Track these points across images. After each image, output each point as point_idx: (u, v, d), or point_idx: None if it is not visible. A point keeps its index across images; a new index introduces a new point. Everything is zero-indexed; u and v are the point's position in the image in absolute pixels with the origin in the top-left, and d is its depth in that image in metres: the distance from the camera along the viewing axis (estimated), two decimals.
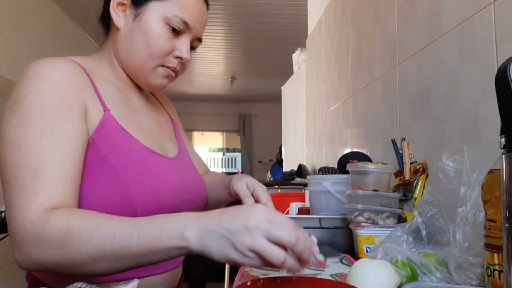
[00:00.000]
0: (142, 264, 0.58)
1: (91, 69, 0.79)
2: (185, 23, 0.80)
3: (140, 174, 0.73)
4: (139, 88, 0.89)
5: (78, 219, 0.59)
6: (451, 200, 0.72)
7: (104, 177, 0.70)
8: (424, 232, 0.79)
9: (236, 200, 0.88)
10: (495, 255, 0.56)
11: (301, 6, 3.30)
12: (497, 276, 0.56)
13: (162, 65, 0.82)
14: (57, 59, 0.72)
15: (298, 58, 3.04)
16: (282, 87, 3.64)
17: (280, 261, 0.52)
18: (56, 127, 0.66)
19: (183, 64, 0.85)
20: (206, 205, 0.96)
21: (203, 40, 0.87)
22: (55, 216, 0.60)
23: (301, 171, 2.49)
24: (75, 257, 0.58)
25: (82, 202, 0.69)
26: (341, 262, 0.88)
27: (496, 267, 0.56)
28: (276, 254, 0.52)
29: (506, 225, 0.50)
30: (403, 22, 1.24)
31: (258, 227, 0.52)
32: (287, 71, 3.53)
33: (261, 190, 0.84)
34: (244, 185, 0.86)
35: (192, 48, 0.87)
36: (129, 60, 0.82)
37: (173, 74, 0.84)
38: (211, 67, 5.52)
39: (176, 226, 0.56)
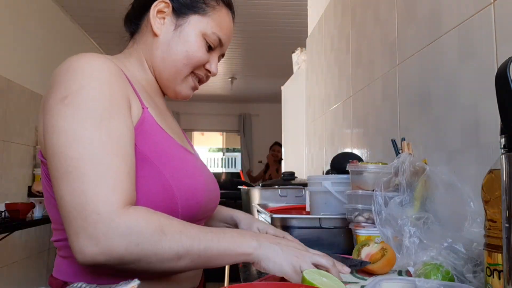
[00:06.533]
0: (212, 265, 0.67)
1: (122, 67, 0.78)
2: (220, 40, 0.86)
3: (179, 172, 0.75)
4: (161, 93, 0.91)
5: (166, 220, 0.65)
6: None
7: (144, 174, 0.71)
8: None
9: None
10: (495, 255, 0.57)
11: (301, 6, 3.30)
12: (497, 276, 0.56)
13: (193, 73, 0.87)
14: (96, 55, 0.71)
15: (298, 58, 3.04)
16: (282, 87, 3.64)
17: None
18: (111, 122, 0.66)
19: (207, 77, 0.91)
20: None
21: None
22: (145, 214, 0.63)
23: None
24: (165, 252, 0.62)
25: None
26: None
27: (496, 267, 0.56)
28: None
29: (506, 225, 0.50)
30: (403, 22, 1.24)
31: (306, 254, 0.70)
32: (287, 71, 3.53)
33: (274, 232, 0.92)
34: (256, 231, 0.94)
35: None
36: (164, 67, 0.85)
37: (198, 85, 0.90)
38: None
39: (246, 237, 0.68)
